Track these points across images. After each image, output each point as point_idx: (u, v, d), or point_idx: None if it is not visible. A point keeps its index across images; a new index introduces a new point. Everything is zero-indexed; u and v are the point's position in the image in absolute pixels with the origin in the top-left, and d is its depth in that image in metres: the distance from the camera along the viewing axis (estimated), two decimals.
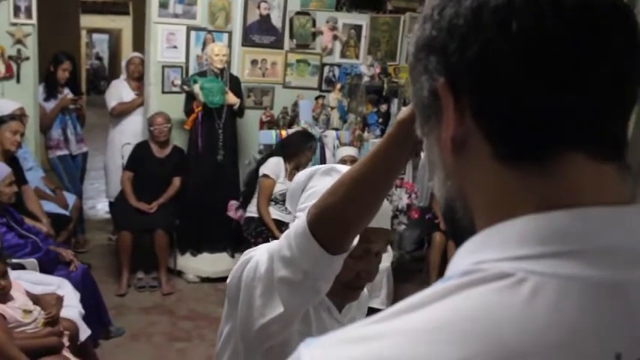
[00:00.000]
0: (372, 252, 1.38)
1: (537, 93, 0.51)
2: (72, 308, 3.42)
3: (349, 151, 4.92)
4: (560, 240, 0.50)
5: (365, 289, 1.58)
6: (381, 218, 1.30)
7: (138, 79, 5.66)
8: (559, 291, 0.48)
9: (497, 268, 0.50)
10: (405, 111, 1.00)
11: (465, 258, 0.55)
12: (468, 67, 0.54)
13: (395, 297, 4.48)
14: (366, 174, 1.05)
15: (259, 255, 1.24)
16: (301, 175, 1.39)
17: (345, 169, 1.33)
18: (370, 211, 1.10)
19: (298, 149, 4.74)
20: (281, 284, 1.15)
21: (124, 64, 5.86)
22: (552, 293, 0.48)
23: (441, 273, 5.00)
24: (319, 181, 1.34)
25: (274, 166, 4.70)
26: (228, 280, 1.32)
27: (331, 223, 1.08)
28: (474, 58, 0.53)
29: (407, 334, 0.49)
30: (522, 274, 0.49)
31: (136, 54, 5.91)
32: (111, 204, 5.81)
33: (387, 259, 4.65)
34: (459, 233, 0.59)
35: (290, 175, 4.75)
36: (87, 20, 13.08)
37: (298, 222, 1.13)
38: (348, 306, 1.49)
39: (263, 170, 4.70)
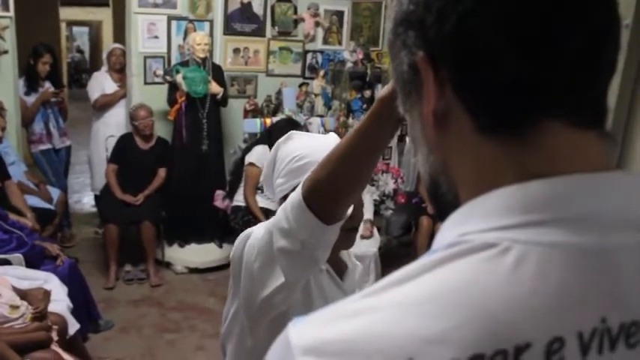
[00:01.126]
0: None
1: (515, 63, 0.51)
2: (60, 302, 3.40)
3: None
4: (542, 208, 0.51)
5: (360, 265, 1.63)
6: None
7: (119, 71, 5.61)
8: (543, 258, 0.49)
9: (481, 238, 0.51)
10: (385, 89, 1.01)
11: (450, 230, 0.55)
12: (446, 39, 0.54)
13: None
14: (351, 150, 1.09)
15: (258, 230, 1.29)
16: (269, 156, 1.47)
17: (301, 135, 1.45)
18: (359, 183, 1.15)
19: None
20: (280, 255, 1.21)
21: (104, 55, 5.80)
22: (536, 261, 0.49)
23: None
24: (283, 149, 1.41)
25: (260, 154, 4.68)
26: (230, 257, 1.37)
27: (323, 194, 1.13)
28: (452, 31, 0.53)
29: (395, 307, 0.49)
30: (507, 243, 0.50)
31: (117, 45, 5.86)
32: (96, 197, 5.78)
33: (374, 244, 4.67)
34: (444, 208, 0.59)
35: None
36: (66, 13, 12.92)
37: (294, 195, 1.18)
38: (346, 273, 1.54)
39: (249, 159, 4.69)
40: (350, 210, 1.21)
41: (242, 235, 1.35)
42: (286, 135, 1.45)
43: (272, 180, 1.45)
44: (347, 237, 1.43)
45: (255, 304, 1.29)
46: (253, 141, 4.94)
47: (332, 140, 1.37)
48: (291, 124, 4.86)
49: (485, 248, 0.50)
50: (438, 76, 0.56)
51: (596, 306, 0.49)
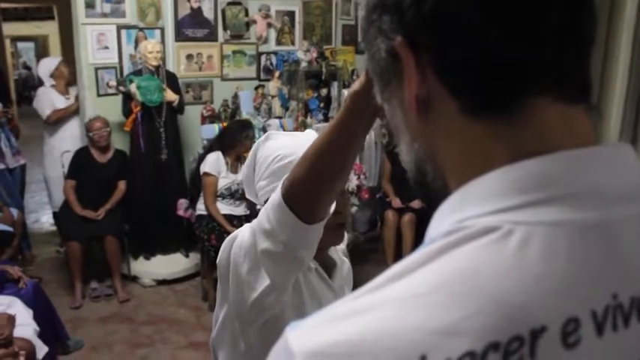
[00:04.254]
0: None
1: (497, 41, 0.50)
2: (26, 327, 3.31)
3: None
4: (540, 187, 0.49)
5: (347, 261, 1.63)
6: None
7: (67, 84, 5.47)
8: (548, 238, 0.48)
9: (481, 223, 0.49)
10: (357, 83, 1.00)
11: (445, 218, 0.53)
12: (425, 22, 0.52)
13: (354, 279, 4.50)
14: (326, 147, 1.07)
15: (244, 232, 1.27)
16: (247, 158, 1.45)
17: (279, 134, 1.44)
18: (337, 180, 1.13)
19: (235, 140, 4.67)
20: (264, 256, 1.19)
21: (45, 72, 5.54)
22: (541, 241, 0.48)
23: (396, 250, 5.05)
24: (263, 150, 1.39)
25: (214, 162, 4.64)
26: (217, 261, 1.35)
27: (302, 193, 1.12)
28: (431, 12, 0.51)
29: (398, 302, 0.47)
30: (509, 225, 0.48)
31: (58, 59, 5.67)
32: (55, 214, 5.64)
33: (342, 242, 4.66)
34: (432, 196, 0.58)
35: (232, 168, 4.70)
36: (10, 28, 12.59)
37: (274, 195, 1.16)
38: (335, 271, 1.53)
39: (203, 168, 4.64)
40: (332, 208, 1.20)
41: (228, 238, 1.33)
42: (265, 135, 1.43)
43: (253, 182, 1.43)
44: (335, 233, 1.43)
45: (246, 308, 1.27)
46: (206, 149, 4.88)
47: (311, 137, 1.35)
48: (240, 126, 4.82)
49: (487, 232, 0.48)
50: (419, 60, 0.54)
51: (606, 282, 0.48)
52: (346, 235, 1.57)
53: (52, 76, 5.50)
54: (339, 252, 1.58)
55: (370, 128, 1.08)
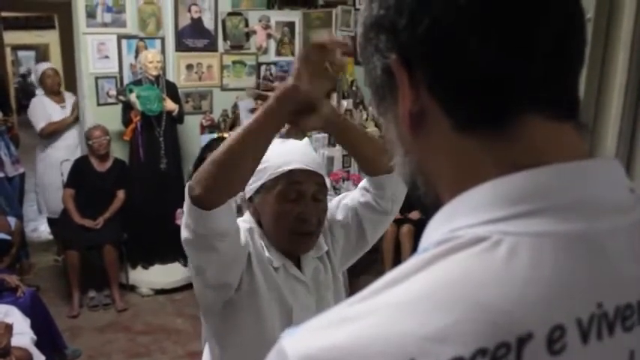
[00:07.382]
0: (305, 194, 1.49)
1: (489, 59, 0.52)
2: (23, 335, 3.30)
3: None
4: (529, 199, 0.51)
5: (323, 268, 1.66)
6: (306, 159, 1.49)
7: (58, 92, 5.47)
8: (534, 248, 0.49)
9: (471, 233, 0.51)
10: (282, 87, 1.16)
11: (437, 229, 0.55)
12: (420, 41, 0.54)
13: (351, 289, 4.50)
14: (239, 147, 1.24)
15: None
16: None
17: None
18: (245, 175, 1.32)
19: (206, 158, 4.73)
20: (185, 246, 1.36)
21: (34, 79, 5.57)
22: (528, 251, 0.49)
23: (395, 261, 5.05)
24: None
25: None
26: None
27: (211, 187, 1.28)
28: (425, 34, 0.53)
29: (391, 308, 0.49)
30: (497, 236, 0.50)
31: (47, 65, 5.68)
32: (49, 220, 5.62)
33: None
34: (430, 207, 0.59)
35: None
36: (11, 37, 12.61)
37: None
38: (307, 261, 1.58)
39: None
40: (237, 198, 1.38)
41: None
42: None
43: None
44: (297, 240, 1.51)
45: (201, 297, 1.46)
46: (188, 177, 4.92)
47: (284, 143, 1.51)
48: (205, 146, 4.89)
49: (477, 242, 0.50)
50: (413, 78, 0.56)
51: (591, 291, 0.50)
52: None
53: (40, 82, 5.49)
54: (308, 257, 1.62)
55: (280, 129, 1.25)
